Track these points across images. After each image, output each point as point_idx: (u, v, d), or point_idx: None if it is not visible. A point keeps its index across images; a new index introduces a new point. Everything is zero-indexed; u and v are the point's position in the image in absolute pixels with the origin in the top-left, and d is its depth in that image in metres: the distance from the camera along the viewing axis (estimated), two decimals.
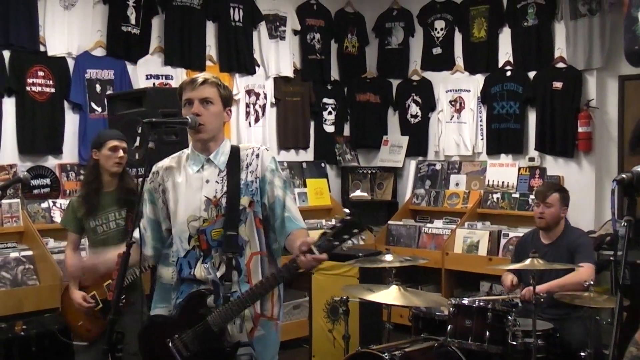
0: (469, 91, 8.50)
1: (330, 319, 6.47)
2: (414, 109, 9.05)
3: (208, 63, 7.84)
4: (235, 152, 3.52)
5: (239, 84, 8.12)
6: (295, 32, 8.74)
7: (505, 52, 8.20)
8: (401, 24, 9.17)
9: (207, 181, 3.46)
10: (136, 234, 3.44)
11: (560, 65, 7.70)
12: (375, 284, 5.46)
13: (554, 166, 7.80)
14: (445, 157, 8.77)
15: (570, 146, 7.60)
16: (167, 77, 7.51)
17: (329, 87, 9.16)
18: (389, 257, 5.48)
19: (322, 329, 6.52)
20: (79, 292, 4.92)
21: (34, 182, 6.52)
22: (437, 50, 8.85)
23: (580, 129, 7.44)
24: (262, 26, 8.34)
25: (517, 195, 7.88)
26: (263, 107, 8.37)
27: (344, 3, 9.29)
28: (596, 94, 7.48)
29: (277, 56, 8.48)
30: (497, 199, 8.04)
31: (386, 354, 4.63)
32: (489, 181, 8.26)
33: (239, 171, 3.46)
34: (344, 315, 5.53)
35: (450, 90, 8.68)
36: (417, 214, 8.75)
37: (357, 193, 9.10)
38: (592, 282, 4.90)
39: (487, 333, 4.73)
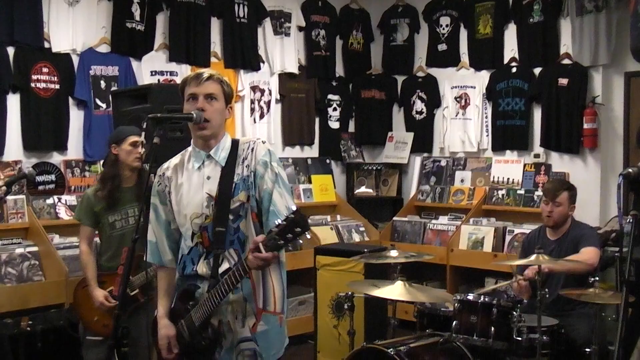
0: (474, 88, 8.49)
1: (335, 315, 6.46)
2: (419, 106, 9.05)
3: (213, 59, 7.84)
4: (234, 147, 3.52)
5: (244, 81, 8.12)
6: (300, 29, 8.74)
7: (510, 49, 8.19)
8: (406, 21, 9.16)
9: (208, 178, 3.46)
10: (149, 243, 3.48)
11: (566, 61, 7.68)
12: (381, 279, 5.46)
13: (559, 163, 7.79)
14: (450, 154, 8.76)
15: (576, 143, 7.58)
16: (171, 73, 7.51)
17: (334, 84, 9.16)
18: (394, 253, 5.47)
19: (327, 325, 6.52)
20: (101, 291, 4.91)
21: (39, 179, 6.53)
22: (442, 47, 8.84)
23: (585, 126, 7.42)
24: (267, 22, 8.34)
25: (522, 191, 7.87)
26: (268, 104, 8.37)
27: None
28: (602, 90, 7.45)
29: (282, 53, 8.48)
30: (502, 195, 8.03)
31: (391, 350, 4.63)
32: (494, 177, 8.25)
33: (234, 166, 3.45)
34: (349, 311, 5.53)
35: (456, 87, 8.67)
36: (422, 210, 8.75)
37: (362, 189, 9.11)
38: (596, 279, 4.89)
39: (492, 329, 4.74)
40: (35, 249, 6.22)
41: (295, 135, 8.75)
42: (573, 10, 7.57)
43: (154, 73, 7.38)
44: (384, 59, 9.40)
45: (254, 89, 8.23)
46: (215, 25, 7.95)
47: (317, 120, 9.01)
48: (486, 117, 8.39)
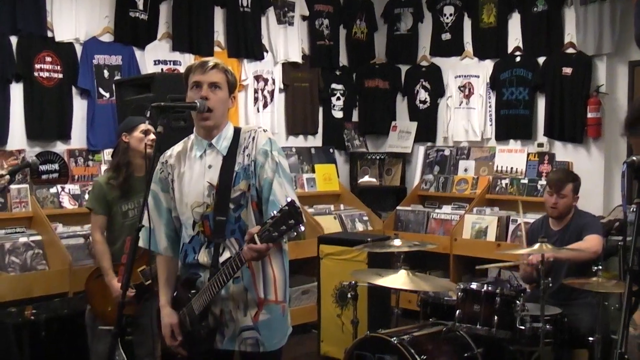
0: (478, 77, 8.48)
1: (338, 304, 6.48)
2: (423, 95, 9.04)
3: (216, 49, 7.83)
4: (236, 135, 3.52)
5: (247, 70, 8.11)
6: (303, 18, 8.72)
7: (514, 38, 8.17)
8: (410, 10, 9.13)
9: (210, 166, 3.46)
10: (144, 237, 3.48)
11: (570, 50, 7.67)
12: (384, 269, 5.46)
13: (563, 152, 7.78)
14: (454, 143, 8.75)
15: (580, 132, 7.58)
16: (175, 62, 7.51)
17: (338, 73, 9.15)
18: (397, 242, 5.47)
19: (330, 314, 6.53)
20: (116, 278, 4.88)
21: (43, 168, 6.53)
22: (446, 36, 8.82)
23: (589, 115, 7.42)
24: (271, 12, 8.32)
25: (525, 181, 7.86)
26: (271, 93, 8.36)
27: None
28: (606, 79, 7.45)
29: (286, 42, 8.46)
30: (506, 184, 8.02)
31: (395, 339, 4.64)
32: (497, 167, 8.25)
33: (234, 155, 3.45)
34: (353, 300, 5.53)
35: (459, 76, 8.66)
36: (426, 199, 8.75)
37: (366, 179, 9.11)
38: (600, 268, 4.89)
39: (496, 318, 4.74)
40: (38, 238, 6.22)
41: (299, 124, 8.74)
42: None
43: (157, 62, 7.38)
44: (388, 49, 9.38)
45: (257, 78, 8.23)
46: (219, 15, 7.93)
47: (320, 109, 9.01)
48: (490, 107, 8.38)
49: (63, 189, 6.57)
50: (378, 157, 9.26)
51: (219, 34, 7.91)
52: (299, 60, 8.59)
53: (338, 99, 9.15)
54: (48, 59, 6.66)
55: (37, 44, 6.62)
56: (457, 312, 4.89)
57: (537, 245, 4.89)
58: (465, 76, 8.61)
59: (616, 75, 7.49)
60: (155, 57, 7.38)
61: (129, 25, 7.18)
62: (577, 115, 7.56)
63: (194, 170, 3.49)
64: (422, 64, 9.05)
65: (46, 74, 6.65)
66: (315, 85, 8.85)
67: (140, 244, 3.46)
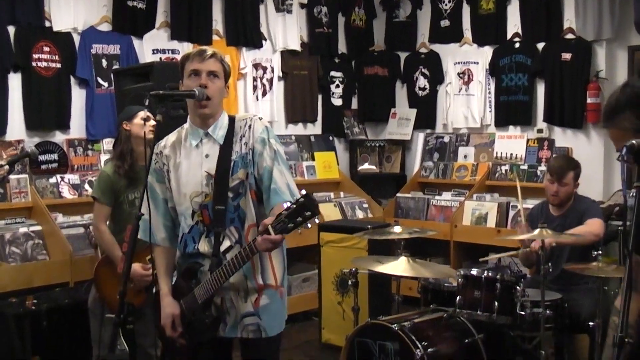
0: (477, 63, 8.46)
1: (339, 291, 6.49)
2: (422, 82, 9.02)
3: (215, 37, 7.82)
4: (231, 124, 3.52)
5: (246, 58, 8.10)
6: (302, 6, 8.70)
7: (513, 24, 8.15)
8: None
9: (207, 156, 3.47)
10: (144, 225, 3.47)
11: (570, 36, 7.65)
12: (384, 255, 5.46)
13: (563, 138, 7.78)
14: (453, 130, 8.75)
15: (579, 117, 7.57)
16: (173, 51, 7.49)
17: (337, 61, 9.14)
18: (397, 229, 5.47)
19: (331, 302, 6.54)
20: (136, 264, 4.82)
21: (42, 158, 6.53)
22: (445, 23, 8.80)
23: (589, 100, 7.41)
24: (269, 0, 8.31)
25: (525, 166, 7.86)
26: (270, 81, 8.35)
27: None
28: (605, 64, 7.43)
29: (284, 30, 8.44)
30: (506, 170, 8.02)
31: (395, 325, 4.64)
32: (497, 153, 8.25)
33: (231, 144, 3.46)
34: (353, 287, 5.54)
35: (459, 63, 8.65)
36: (426, 186, 8.75)
37: (366, 166, 9.10)
38: (599, 253, 4.89)
39: (496, 304, 4.74)
40: (38, 228, 6.23)
41: (298, 112, 8.73)
42: None
43: (155, 51, 7.36)
44: (387, 36, 9.37)
45: (256, 66, 8.21)
46: (217, 3, 7.91)
47: (319, 97, 9.00)
48: (489, 93, 8.37)
49: (62, 178, 6.57)
50: (378, 145, 9.25)
51: (218, 23, 7.89)
52: (298, 48, 8.58)
53: (337, 86, 9.14)
54: (46, 48, 6.65)
55: (35, 34, 6.60)
56: (458, 298, 4.89)
57: (537, 231, 4.89)
58: (464, 63, 8.59)
59: (616, 61, 7.47)
60: (153, 46, 7.37)
61: (127, 14, 7.16)
62: (577, 101, 7.56)
63: (190, 160, 3.49)
64: (421, 51, 9.03)
65: (44, 64, 6.64)
66: (314, 73, 8.84)
67: (140, 235, 3.45)
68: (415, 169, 8.97)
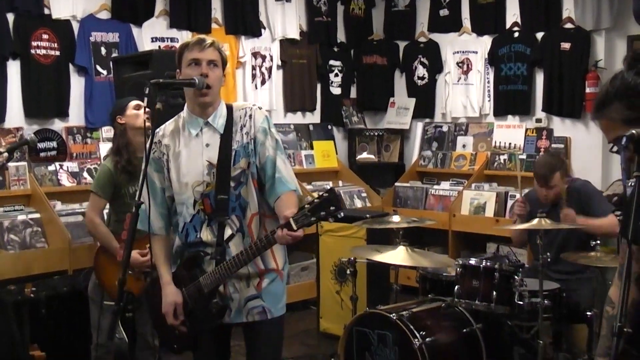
0: (476, 53, 8.45)
1: (337, 281, 6.50)
2: (421, 71, 9.02)
3: (214, 26, 7.80)
4: (230, 113, 3.53)
5: (245, 47, 8.09)
6: None
7: (512, 14, 8.14)
8: None
9: (207, 145, 3.47)
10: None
11: (569, 26, 7.65)
12: (383, 245, 5.47)
13: (561, 127, 7.78)
14: (452, 119, 8.75)
15: (578, 107, 7.57)
16: (172, 40, 7.48)
17: (336, 50, 9.13)
18: (396, 218, 5.48)
19: (329, 291, 6.55)
20: (134, 251, 4.80)
21: (41, 145, 6.53)
22: (444, 12, 8.79)
23: (588, 90, 7.40)
24: None
25: (524, 156, 7.86)
26: (269, 70, 8.34)
27: None
28: (604, 54, 7.43)
29: (283, 18, 8.43)
30: (504, 160, 8.03)
31: (394, 315, 4.65)
32: (495, 143, 8.25)
33: (230, 133, 3.47)
34: (352, 276, 5.55)
35: (458, 52, 8.64)
36: (424, 175, 8.75)
37: (364, 155, 9.11)
38: (598, 242, 4.91)
39: (494, 293, 4.75)
40: (37, 215, 6.24)
41: (297, 101, 8.73)
42: None
43: (154, 39, 7.35)
44: (386, 25, 9.35)
45: (255, 55, 8.20)
46: None
47: (318, 86, 8.99)
48: (488, 82, 8.37)
49: (61, 166, 6.57)
50: (376, 134, 9.26)
51: (217, 11, 7.88)
52: (297, 36, 8.57)
53: (336, 75, 9.13)
54: (45, 36, 6.64)
55: (34, 22, 6.59)
56: (456, 287, 4.90)
57: (535, 221, 4.90)
58: (463, 52, 8.59)
59: (615, 50, 7.46)
60: (152, 34, 7.35)
61: (126, 2, 7.15)
62: (576, 91, 7.56)
63: (191, 149, 3.49)
64: (420, 40, 9.02)
65: (43, 52, 6.64)
66: (313, 62, 8.83)
67: (139, 226, 3.45)
68: (413, 158, 8.98)
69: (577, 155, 7.59)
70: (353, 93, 9.39)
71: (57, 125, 6.77)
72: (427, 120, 9.00)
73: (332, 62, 9.09)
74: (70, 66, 6.86)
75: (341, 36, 9.21)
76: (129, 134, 4.90)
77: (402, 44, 9.23)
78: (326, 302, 6.63)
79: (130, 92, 5.34)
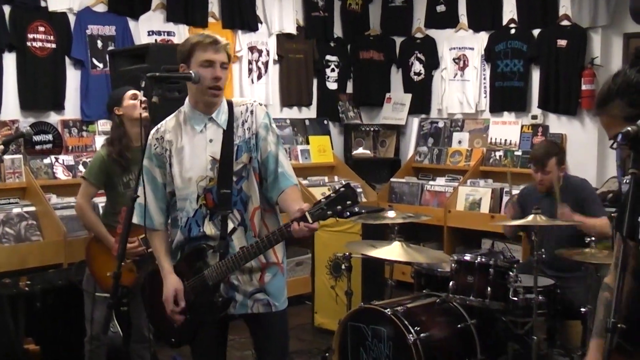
0: (472, 49, 8.46)
1: (332, 276, 6.50)
2: (418, 67, 9.02)
3: (210, 20, 7.79)
4: (230, 109, 3.57)
5: (242, 41, 8.08)
6: None
7: (509, 10, 8.14)
8: None
9: (211, 140, 3.51)
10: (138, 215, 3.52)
11: (565, 23, 7.65)
12: (378, 240, 5.48)
13: (557, 124, 7.79)
14: (448, 115, 8.75)
15: (574, 104, 7.58)
16: (169, 33, 7.47)
17: (332, 45, 9.12)
18: (391, 214, 5.48)
19: (324, 286, 6.56)
20: None
21: (36, 138, 6.52)
22: (441, 8, 8.78)
23: (584, 87, 7.42)
24: None
25: (519, 153, 7.87)
26: (266, 64, 8.34)
27: None
28: (601, 51, 7.44)
29: (280, 13, 8.41)
30: (500, 156, 8.04)
31: (388, 310, 4.66)
32: (491, 139, 8.26)
33: (232, 129, 3.52)
34: (347, 271, 5.55)
35: (454, 48, 8.64)
36: (420, 171, 8.76)
37: (360, 150, 9.10)
38: (592, 239, 4.92)
39: (489, 289, 4.76)
40: (32, 209, 6.23)
41: (293, 96, 8.72)
42: None
43: (151, 33, 7.33)
44: (383, 20, 9.35)
45: (251, 49, 8.19)
46: None
47: (315, 81, 8.98)
48: (484, 79, 8.37)
49: (57, 159, 6.56)
50: (372, 129, 9.25)
51: (214, 5, 7.86)
52: (294, 31, 8.56)
53: (332, 70, 9.13)
54: (41, 28, 6.63)
55: (31, 14, 6.57)
56: (451, 283, 4.90)
57: (531, 217, 4.91)
58: (459, 48, 8.59)
59: (611, 47, 7.47)
60: (149, 27, 7.33)
61: None
62: (572, 88, 7.56)
63: (194, 145, 3.53)
64: (417, 36, 9.03)
65: (39, 44, 6.62)
66: (309, 57, 8.82)
67: (135, 220, 3.52)
68: (409, 154, 8.99)
69: (572, 152, 7.60)
70: (349, 88, 9.38)
71: (53, 118, 6.76)
72: (423, 116, 9.01)
73: (328, 57, 9.08)
74: (67, 59, 6.84)
75: (338, 31, 9.20)
76: (127, 125, 4.89)
77: (398, 40, 9.23)
78: (321, 297, 6.64)
79: (127, 85, 5.31)
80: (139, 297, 4.74)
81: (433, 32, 8.89)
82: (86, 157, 6.61)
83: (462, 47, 8.57)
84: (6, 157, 6.03)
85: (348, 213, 3.15)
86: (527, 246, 6.81)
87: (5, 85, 6.46)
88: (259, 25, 8.24)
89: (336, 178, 8.55)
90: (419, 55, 8.99)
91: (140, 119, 4.62)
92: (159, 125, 3.64)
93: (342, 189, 3.12)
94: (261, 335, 3.67)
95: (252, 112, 3.55)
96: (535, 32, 7.91)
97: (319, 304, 6.67)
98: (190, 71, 3.39)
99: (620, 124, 2.42)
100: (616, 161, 2.12)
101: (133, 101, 4.86)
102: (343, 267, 5.61)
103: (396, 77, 9.32)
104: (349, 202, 3.10)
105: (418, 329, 4.57)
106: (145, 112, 4.66)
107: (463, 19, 8.58)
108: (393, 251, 5.05)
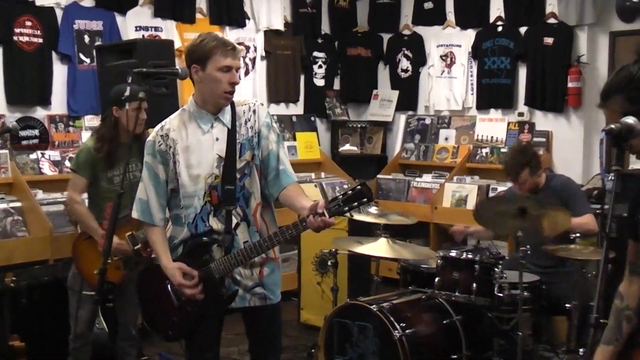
0: (460, 46, 8.48)
1: (318, 272, 6.51)
2: (405, 64, 9.03)
3: (198, 16, 7.78)
4: (233, 108, 3.66)
5: (229, 37, 8.02)
6: None
7: (496, 8, 8.16)
8: None
9: (217, 139, 3.60)
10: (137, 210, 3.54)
11: (552, 21, 7.68)
12: (364, 237, 5.48)
13: (543, 121, 7.82)
14: (435, 112, 8.77)
15: (560, 101, 7.61)
16: (156, 29, 7.45)
17: (320, 41, 9.11)
18: (373, 210, 5.43)
19: (310, 282, 6.57)
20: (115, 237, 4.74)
21: (23, 133, 6.49)
22: (428, 5, 8.79)
23: (570, 84, 7.46)
24: None
25: (505, 149, 7.88)
26: (253, 61, 8.33)
27: None
28: (587, 49, 7.47)
29: (268, 9, 8.41)
30: (486, 153, 8.06)
31: (374, 306, 4.68)
32: (478, 136, 8.28)
33: (235, 127, 3.61)
34: (333, 267, 5.56)
35: (441, 45, 8.66)
36: (407, 168, 8.78)
37: (347, 147, 9.11)
38: (578, 235, 4.95)
39: (474, 285, 4.78)
40: (18, 204, 6.20)
41: (281, 92, 8.72)
42: None
43: (138, 28, 7.32)
44: (370, 17, 9.36)
45: (239, 45, 8.17)
46: None
47: (302, 77, 8.98)
48: (471, 76, 8.39)
49: (43, 155, 6.55)
50: (359, 126, 9.26)
51: (201, 1, 7.85)
52: (281, 27, 8.55)
53: (320, 67, 9.13)
54: (28, 23, 6.60)
55: (18, 8, 6.55)
56: (437, 279, 4.93)
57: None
58: (447, 45, 8.61)
59: (597, 46, 7.51)
60: (136, 23, 7.31)
61: None
62: (558, 85, 7.60)
63: (202, 143, 3.61)
64: (405, 33, 9.03)
65: (26, 39, 6.60)
66: (297, 53, 8.82)
67: (135, 215, 3.66)
68: (396, 150, 9.00)
69: (558, 149, 7.64)
70: (336, 85, 9.38)
71: (40, 113, 6.73)
72: (410, 112, 9.02)
73: (316, 53, 9.08)
74: (54, 54, 6.82)
75: (325, 28, 9.20)
76: (119, 128, 4.79)
77: (386, 37, 9.24)
78: (307, 294, 6.64)
79: (115, 81, 5.24)
80: (126, 295, 4.75)
81: (420, 29, 8.91)
82: (72, 153, 6.58)
83: (450, 44, 8.58)
84: None
85: (362, 208, 3.24)
86: (512, 242, 6.84)
87: None
88: (247, 21, 8.24)
89: (323, 174, 8.56)
90: (406, 52, 9.00)
91: (133, 130, 4.57)
92: (163, 123, 3.70)
93: (358, 187, 3.21)
94: (256, 326, 3.76)
95: (254, 111, 3.67)
96: (522, 29, 7.94)
97: (305, 300, 6.68)
98: (178, 67, 3.42)
99: (619, 118, 2.43)
100: (599, 158, 2.12)
101: (134, 112, 4.70)
102: (329, 263, 5.61)
103: (383, 73, 9.32)
104: (364, 200, 3.20)
105: (404, 325, 4.60)
106: (140, 128, 4.67)
107: (450, 16, 8.59)
108: (379, 247, 5.07)
